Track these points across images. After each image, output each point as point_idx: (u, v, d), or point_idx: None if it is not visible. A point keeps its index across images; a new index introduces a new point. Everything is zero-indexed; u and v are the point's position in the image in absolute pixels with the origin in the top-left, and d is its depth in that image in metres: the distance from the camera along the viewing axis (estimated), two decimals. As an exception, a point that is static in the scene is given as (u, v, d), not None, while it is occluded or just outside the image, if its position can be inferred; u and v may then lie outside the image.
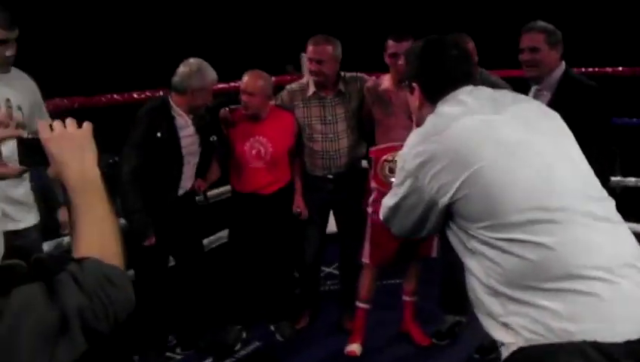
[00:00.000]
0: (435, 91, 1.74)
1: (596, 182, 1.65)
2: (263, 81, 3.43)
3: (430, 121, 1.70)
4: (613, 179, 3.97)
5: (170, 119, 3.23)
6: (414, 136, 1.71)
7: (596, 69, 4.21)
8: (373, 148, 3.49)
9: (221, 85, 3.82)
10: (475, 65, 1.83)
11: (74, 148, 1.22)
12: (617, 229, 1.58)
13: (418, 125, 1.79)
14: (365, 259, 3.48)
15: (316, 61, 3.45)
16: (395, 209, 1.75)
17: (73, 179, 1.20)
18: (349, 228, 3.69)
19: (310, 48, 3.47)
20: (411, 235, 1.81)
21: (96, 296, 1.05)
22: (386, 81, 3.45)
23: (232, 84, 4.00)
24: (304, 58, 4.20)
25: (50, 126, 1.23)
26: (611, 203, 1.63)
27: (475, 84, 1.76)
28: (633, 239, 1.59)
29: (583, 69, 4.00)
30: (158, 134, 3.16)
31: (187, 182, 3.38)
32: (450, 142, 1.59)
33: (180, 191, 3.34)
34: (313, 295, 3.91)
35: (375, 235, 3.44)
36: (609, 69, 4.28)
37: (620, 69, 4.26)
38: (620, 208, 1.63)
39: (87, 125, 1.26)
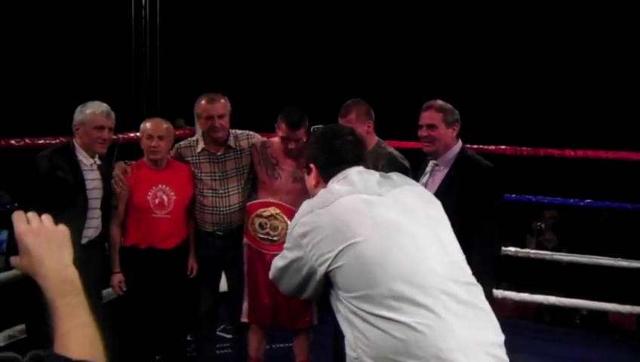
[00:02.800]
0: (330, 172, 1.92)
1: (465, 267, 1.79)
2: (167, 124, 3.45)
3: (320, 194, 1.87)
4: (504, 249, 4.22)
5: (74, 160, 3.16)
6: (305, 206, 1.86)
7: (480, 146, 4.45)
8: (249, 203, 3.51)
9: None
10: (365, 149, 2.04)
11: (52, 245, 1.18)
12: (480, 315, 1.70)
13: None
14: (244, 319, 3.46)
15: (218, 116, 3.45)
16: (282, 270, 1.89)
17: (53, 278, 1.16)
18: (239, 288, 3.61)
19: (206, 105, 3.46)
20: (295, 296, 1.96)
21: None
22: (274, 145, 3.49)
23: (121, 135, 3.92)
24: (195, 114, 4.18)
25: (27, 219, 1.17)
26: (477, 288, 1.75)
27: (367, 166, 1.96)
28: (496, 325, 1.72)
29: (469, 146, 4.21)
30: (60, 174, 3.08)
31: (91, 231, 3.28)
32: (332, 216, 1.75)
33: (84, 240, 3.22)
34: (208, 357, 3.78)
35: (251, 293, 3.43)
36: (492, 147, 4.54)
37: (503, 147, 4.54)
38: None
39: (63, 227, 1.24)
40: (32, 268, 1.16)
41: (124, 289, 3.47)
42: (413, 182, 2.00)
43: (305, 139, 3.35)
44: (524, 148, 4.55)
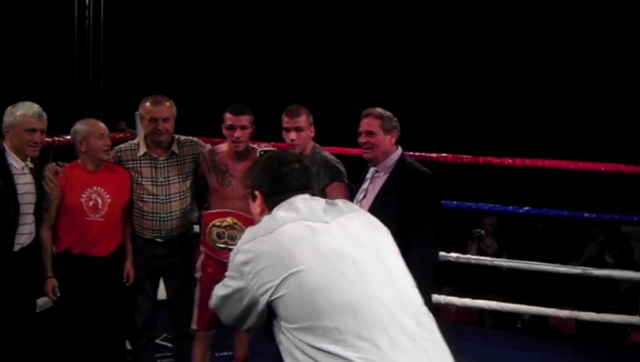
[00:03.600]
0: (275, 199, 1.87)
1: (415, 297, 1.73)
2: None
3: (264, 221, 1.82)
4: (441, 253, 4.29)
5: (4, 164, 3.07)
6: (248, 233, 1.82)
7: (422, 154, 4.49)
8: (205, 212, 3.46)
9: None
10: (312, 176, 2.04)
11: None
12: (429, 348, 1.63)
13: None
14: (193, 326, 3.41)
15: (162, 119, 3.39)
16: (223, 299, 1.83)
17: None
18: (180, 296, 3.57)
19: (151, 107, 3.40)
20: (236, 326, 1.90)
21: None
22: (223, 151, 3.45)
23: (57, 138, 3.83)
24: (138, 116, 4.13)
25: None
26: (428, 318, 1.70)
27: (313, 193, 1.93)
28: (446, 357, 1.66)
29: (411, 153, 4.26)
30: None
31: (24, 237, 3.18)
32: (275, 244, 1.71)
33: (16, 247, 3.13)
34: None
35: (203, 299, 3.38)
36: (434, 155, 4.60)
37: (444, 155, 4.60)
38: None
39: None
40: None
41: (58, 294, 3.37)
42: (359, 208, 1.97)
43: (251, 130, 3.35)
44: (464, 156, 4.61)
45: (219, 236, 3.35)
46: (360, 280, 1.66)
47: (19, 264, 3.16)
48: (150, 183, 3.46)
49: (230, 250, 3.26)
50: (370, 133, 3.03)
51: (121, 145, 3.58)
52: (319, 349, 1.58)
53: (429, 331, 1.67)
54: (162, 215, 3.47)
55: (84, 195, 3.32)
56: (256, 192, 1.93)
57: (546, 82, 8.12)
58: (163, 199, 3.47)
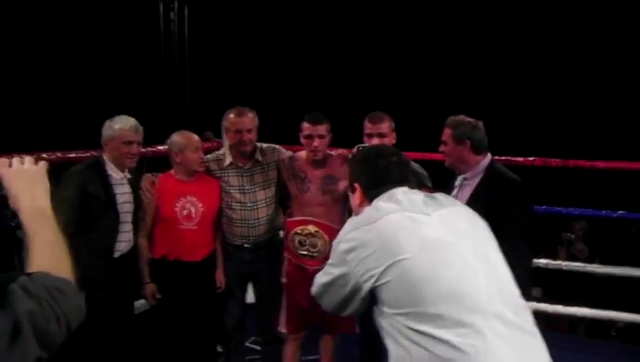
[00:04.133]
0: (374, 192, 1.92)
1: (514, 290, 1.76)
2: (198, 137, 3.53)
3: (366, 212, 1.87)
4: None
5: (104, 175, 3.20)
6: (349, 223, 1.87)
7: (508, 158, 4.41)
8: (288, 219, 3.52)
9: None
10: (409, 170, 2.05)
11: (27, 182, 1.35)
12: (527, 338, 1.66)
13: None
14: (282, 329, 3.49)
15: (246, 131, 3.47)
16: (325, 286, 1.89)
17: (25, 209, 1.33)
18: (267, 300, 3.66)
19: (235, 119, 3.49)
20: (337, 312, 1.94)
21: (46, 302, 1.14)
22: (301, 158, 3.51)
23: (150, 148, 3.96)
24: (223, 127, 4.25)
25: (10, 162, 1.36)
26: (526, 311, 1.72)
27: (411, 186, 1.94)
28: (543, 351, 1.67)
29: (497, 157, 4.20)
30: (91, 189, 3.13)
31: (123, 244, 3.31)
32: (380, 233, 1.75)
33: (117, 254, 3.27)
34: None
35: (290, 302, 3.45)
36: (520, 159, 4.50)
37: (532, 158, 4.50)
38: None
39: (42, 163, 1.42)
40: (14, 205, 1.34)
41: (158, 296, 3.50)
42: (457, 202, 1.99)
43: (328, 138, 3.40)
44: (552, 159, 4.49)
45: (301, 243, 3.40)
46: (463, 270, 1.69)
47: (118, 270, 3.30)
48: (238, 191, 3.55)
49: (312, 256, 3.37)
50: (443, 143, 3.07)
51: (208, 156, 3.69)
52: (422, 333, 1.62)
53: (527, 322, 1.69)
54: (250, 221, 3.56)
55: (178, 205, 3.43)
56: (356, 185, 1.99)
57: (635, 82, 7.82)
58: (250, 206, 3.55)
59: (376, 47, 8.81)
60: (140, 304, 3.73)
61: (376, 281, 1.71)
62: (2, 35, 8.02)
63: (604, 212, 4.56)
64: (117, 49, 8.67)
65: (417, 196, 1.87)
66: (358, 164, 2.03)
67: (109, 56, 8.73)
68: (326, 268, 1.89)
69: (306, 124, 3.38)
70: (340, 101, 8.01)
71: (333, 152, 3.51)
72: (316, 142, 3.35)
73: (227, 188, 3.56)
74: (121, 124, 3.27)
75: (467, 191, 3.00)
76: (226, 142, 3.66)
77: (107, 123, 3.32)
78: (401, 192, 1.87)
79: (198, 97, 6.87)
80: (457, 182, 3.10)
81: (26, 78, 8.44)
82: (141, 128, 3.36)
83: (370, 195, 1.93)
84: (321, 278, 1.92)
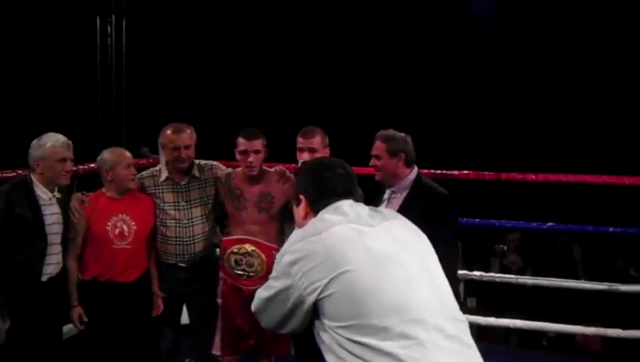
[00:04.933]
0: (320, 204, 1.90)
1: (453, 303, 1.79)
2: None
3: (312, 223, 1.85)
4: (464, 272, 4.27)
5: (32, 196, 3.11)
6: (295, 235, 1.85)
7: (443, 172, 4.49)
8: (224, 238, 3.49)
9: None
10: (356, 182, 2.02)
11: None
12: (465, 350, 1.70)
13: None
14: (216, 351, 3.43)
15: (184, 147, 3.43)
16: (267, 301, 1.85)
17: None
18: (202, 321, 3.61)
19: (172, 135, 3.45)
20: (277, 329, 1.90)
21: None
22: (238, 175, 3.49)
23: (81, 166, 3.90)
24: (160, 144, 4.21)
25: None
26: (464, 324, 1.77)
27: (356, 199, 1.93)
28: (480, 359, 1.72)
29: (432, 171, 4.27)
30: (18, 210, 3.05)
31: (52, 267, 3.22)
32: (325, 244, 1.74)
33: (44, 277, 3.18)
34: None
35: (225, 324, 3.40)
36: (455, 172, 4.59)
37: (466, 172, 4.59)
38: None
39: None
40: None
41: (85, 320, 3.40)
42: (401, 216, 1.98)
43: (264, 153, 3.39)
44: (486, 172, 4.60)
45: (237, 263, 3.38)
46: (407, 282, 1.71)
47: (47, 293, 3.21)
48: (173, 208, 3.51)
49: (249, 276, 3.35)
50: (376, 157, 3.11)
51: (143, 173, 3.63)
52: (365, 345, 1.63)
53: (466, 336, 1.73)
54: (185, 239, 3.51)
55: (109, 223, 3.36)
56: (301, 196, 1.96)
57: (568, 96, 8.09)
58: (185, 223, 3.51)
59: (310, 61, 8.86)
60: (68, 328, 3.62)
61: (320, 294, 1.70)
62: None
63: (534, 224, 4.69)
64: (49, 63, 8.46)
65: (363, 209, 1.88)
66: (304, 176, 2.01)
67: (41, 71, 8.51)
68: (268, 282, 1.85)
69: (241, 140, 3.37)
70: (277, 116, 8.02)
71: (269, 169, 3.51)
72: (251, 158, 3.34)
73: (162, 204, 3.51)
74: (52, 142, 3.19)
75: (395, 205, 3.04)
76: (163, 158, 3.62)
77: (35, 142, 3.22)
78: (347, 205, 1.87)
79: (135, 113, 6.77)
80: (386, 196, 3.15)
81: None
82: (72, 144, 3.28)
83: (315, 208, 1.91)
84: (262, 292, 1.88)
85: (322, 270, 1.71)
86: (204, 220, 3.55)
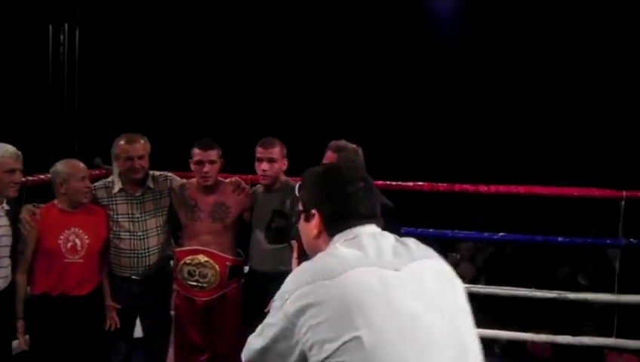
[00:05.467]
0: (337, 226, 1.58)
1: None
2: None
3: (323, 260, 1.51)
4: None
5: None
6: (302, 272, 1.49)
7: (399, 183, 4.55)
8: (177, 249, 3.48)
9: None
10: (377, 201, 1.68)
11: None
12: None
13: (309, 254, 1.64)
14: None
15: (138, 157, 3.41)
16: (261, 353, 1.52)
17: None
18: (156, 335, 3.59)
19: (126, 145, 3.42)
20: None
21: None
22: (192, 186, 3.48)
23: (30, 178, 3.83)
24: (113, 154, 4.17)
25: None
26: None
27: (379, 223, 1.62)
28: None
29: (387, 182, 4.33)
30: None
31: (1, 281, 3.15)
32: (341, 294, 1.40)
33: None
34: None
35: (179, 337, 3.40)
36: (410, 183, 4.65)
37: (421, 183, 4.66)
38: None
39: None
40: None
41: (26, 337, 3.31)
42: (431, 252, 1.60)
43: (219, 164, 3.40)
44: (440, 184, 4.68)
45: (190, 274, 3.37)
46: (432, 354, 1.39)
47: None
48: (127, 220, 3.47)
49: (202, 287, 3.34)
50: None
51: (95, 184, 3.58)
52: None
53: None
54: (140, 251, 3.48)
55: (62, 237, 3.30)
56: (314, 211, 1.62)
57: (517, 108, 8.27)
58: (140, 235, 3.48)
59: (263, 70, 8.89)
60: (17, 343, 3.54)
61: (326, 357, 1.36)
62: None
63: (486, 234, 4.79)
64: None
65: (386, 241, 1.55)
66: (319, 187, 1.63)
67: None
68: (264, 329, 1.51)
69: (196, 150, 3.38)
70: (232, 126, 8.01)
71: (223, 179, 3.51)
72: (207, 168, 3.35)
73: (115, 216, 3.47)
74: (1, 152, 3.13)
75: None
76: (116, 169, 3.58)
77: None
78: (368, 235, 1.55)
79: (87, 123, 6.68)
80: None
81: None
82: (21, 155, 3.22)
83: (331, 229, 1.59)
84: (255, 342, 1.53)
85: (334, 328, 1.37)
86: (158, 232, 3.52)
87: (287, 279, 1.51)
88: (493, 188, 4.68)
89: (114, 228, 3.47)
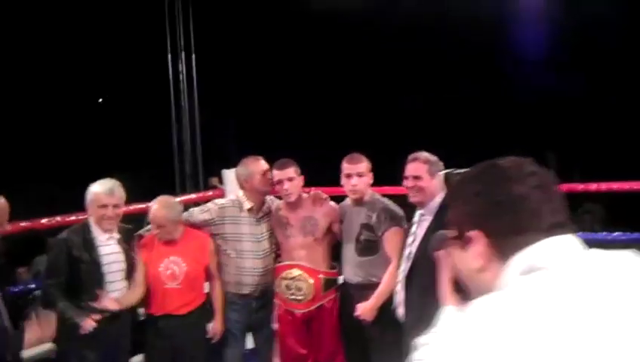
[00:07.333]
0: (510, 245, 1.04)
1: None
2: (166, 210, 3.50)
3: (510, 299, 0.95)
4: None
5: (89, 237, 3.30)
6: (476, 319, 0.94)
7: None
8: (276, 265, 3.65)
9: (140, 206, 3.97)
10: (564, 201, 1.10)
11: None
12: None
13: (472, 294, 1.10)
14: None
15: (287, 179, 3.51)
16: None
17: None
18: (265, 345, 3.78)
19: (277, 170, 3.55)
20: None
21: None
22: (282, 206, 3.64)
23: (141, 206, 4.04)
24: (226, 174, 4.40)
25: None
26: None
27: (571, 230, 1.07)
28: None
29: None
30: (75, 252, 3.24)
31: (111, 302, 3.33)
32: None
33: (107, 313, 3.29)
34: None
35: (282, 348, 3.58)
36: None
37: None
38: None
39: None
40: None
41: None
42: None
43: (299, 180, 3.54)
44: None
45: (287, 288, 3.52)
46: None
47: (109, 328, 3.32)
48: (250, 239, 3.64)
49: (299, 300, 3.47)
50: (417, 178, 3.12)
51: (223, 200, 3.80)
52: None
53: None
54: (259, 269, 3.64)
55: (162, 265, 3.51)
56: (473, 233, 1.08)
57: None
58: (260, 254, 3.64)
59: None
60: (136, 360, 3.82)
61: None
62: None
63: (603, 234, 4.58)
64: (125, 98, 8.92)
65: (591, 265, 1.00)
66: (471, 197, 1.10)
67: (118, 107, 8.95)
68: None
69: (274, 171, 3.55)
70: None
71: (305, 193, 3.64)
72: (286, 185, 3.49)
73: (239, 236, 3.63)
74: (97, 188, 3.34)
75: (424, 226, 3.08)
76: (238, 189, 3.73)
77: (89, 187, 3.38)
78: (563, 258, 1.00)
79: (207, 144, 7.07)
80: (416, 218, 3.18)
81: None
82: (118, 191, 3.37)
83: (502, 251, 1.05)
84: None
85: None
86: (271, 252, 3.70)
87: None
88: (604, 186, 4.48)
89: (237, 248, 3.63)
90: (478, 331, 0.91)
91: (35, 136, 9.07)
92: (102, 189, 3.32)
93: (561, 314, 0.90)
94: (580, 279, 0.95)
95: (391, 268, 3.29)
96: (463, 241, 1.10)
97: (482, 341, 0.90)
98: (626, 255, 1.01)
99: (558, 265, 0.98)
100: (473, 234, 1.08)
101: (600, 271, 0.98)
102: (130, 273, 3.45)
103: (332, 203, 3.63)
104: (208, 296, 3.70)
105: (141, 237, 3.59)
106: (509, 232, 1.04)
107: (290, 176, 3.50)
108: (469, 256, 1.09)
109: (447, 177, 1.69)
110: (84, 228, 3.34)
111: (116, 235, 3.40)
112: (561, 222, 1.05)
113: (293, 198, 3.52)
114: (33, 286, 4.08)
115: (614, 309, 0.92)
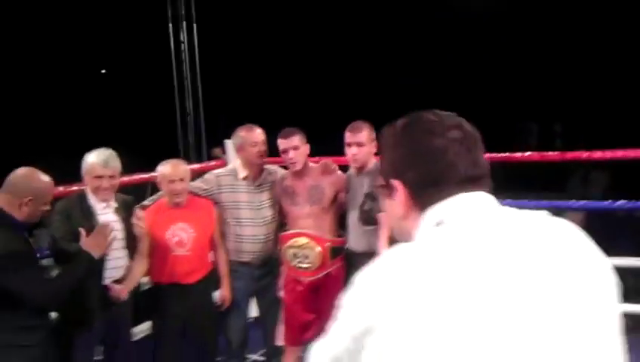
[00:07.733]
0: (429, 195, 1.11)
1: None
2: (185, 165, 3.58)
3: (414, 250, 1.03)
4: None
5: (86, 206, 3.27)
6: (380, 269, 1.02)
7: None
8: (282, 234, 3.66)
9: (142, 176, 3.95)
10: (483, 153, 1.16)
11: None
12: None
13: (398, 240, 1.17)
14: (279, 342, 3.62)
15: (292, 148, 3.52)
16: None
17: None
18: (269, 313, 3.79)
19: (252, 133, 3.64)
20: None
21: None
22: (287, 175, 3.65)
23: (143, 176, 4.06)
24: (228, 144, 4.38)
25: None
26: None
27: (488, 186, 1.13)
28: None
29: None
30: (74, 221, 3.19)
31: (115, 271, 3.34)
32: (434, 313, 0.95)
33: (107, 281, 3.30)
34: None
35: (288, 315, 3.59)
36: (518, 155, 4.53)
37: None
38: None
39: None
40: None
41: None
42: (568, 243, 1.05)
43: (304, 149, 3.53)
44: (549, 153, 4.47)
45: (294, 256, 3.53)
46: None
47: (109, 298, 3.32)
48: (248, 207, 3.68)
49: (306, 268, 3.47)
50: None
51: (220, 170, 3.83)
52: None
53: None
54: (260, 237, 3.69)
55: (169, 232, 3.51)
56: (395, 182, 1.15)
57: None
58: (259, 222, 3.68)
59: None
60: (139, 329, 3.84)
61: None
62: None
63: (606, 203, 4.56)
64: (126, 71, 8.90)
65: (496, 221, 1.06)
66: (394, 146, 1.16)
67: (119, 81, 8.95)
68: (330, 337, 1.09)
69: (279, 140, 3.55)
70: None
71: (312, 163, 3.64)
72: (291, 154, 3.50)
73: (237, 204, 3.67)
74: (92, 159, 3.29)
75: None
76: (236, 159, 3.79)
77: (84, 156, 3.33)
78: (480, 206, 1.09)
79: (209, 114, 7.05)
80: None
81: None
82: (113, 162, 3.30)
83: (421, 201, 1.11)
84: (320, 355, 1.13)
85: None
86: (272, 219, 3.73)
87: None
88: (609, 154, 4.45)
89: (235, 216, 3.67)
90: (382, 281, 1.00)
91: (37, 108, 9.05)
92: (97, 160, 3.27)
93: (456, 268, 0.97)
94: (480, 234, 1.03)
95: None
96: (389, 190, 1.17)
97: (384, 290, 0.98)
98: (537, 214, 1.08)
99: (462, 221, 1.06)
100: (395, 183, 1.15)
101: (501, 228, 1.04)
102: (129, 241, 3.41)
103: (339, 172, 3.63)
104: (213, 264, 3.71)
105: (144, 208, 3.55)
106: (425, 183, 1.11)
107: (294, 145, 3.49)
108: (394, 204, 1.17)
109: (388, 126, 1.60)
110: (81, 198, 3.31)
111: (114, 204, 3.36)
112: (477, 175, 1.11)
113: (298, 167, 3.51)
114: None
115: (507, 266, 0.99)
